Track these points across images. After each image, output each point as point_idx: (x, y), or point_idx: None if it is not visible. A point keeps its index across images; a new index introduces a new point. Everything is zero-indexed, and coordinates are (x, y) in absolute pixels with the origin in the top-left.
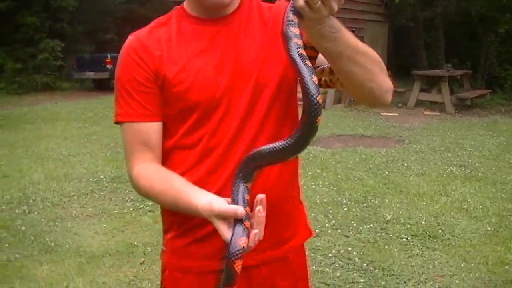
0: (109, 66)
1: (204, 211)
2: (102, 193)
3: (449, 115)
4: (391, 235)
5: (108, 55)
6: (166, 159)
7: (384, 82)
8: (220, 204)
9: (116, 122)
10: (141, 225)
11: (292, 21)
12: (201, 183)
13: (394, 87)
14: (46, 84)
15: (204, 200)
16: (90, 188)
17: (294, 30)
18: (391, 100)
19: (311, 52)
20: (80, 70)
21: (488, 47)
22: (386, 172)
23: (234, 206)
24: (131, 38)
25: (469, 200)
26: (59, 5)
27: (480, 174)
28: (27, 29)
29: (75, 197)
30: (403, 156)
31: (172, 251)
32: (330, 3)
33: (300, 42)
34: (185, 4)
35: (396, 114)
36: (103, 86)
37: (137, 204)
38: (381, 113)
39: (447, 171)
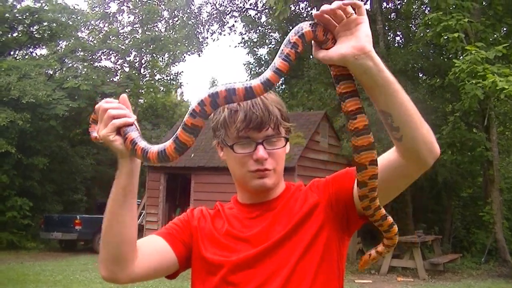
0: (77, 228)
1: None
2: None
3: (423, 280)
4: None
5: (78, 216)
6: None
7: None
8: None
9: None
10: None
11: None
12: None
13: (364, 253)
14: (11, 243)
15: None
16: None
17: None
18: (364, 268)
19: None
20: (47, 230)
21: (453, 212)
22: None
23: None
24: (200, 207)
25: None
26: (31, 163)
27: None
28: None
29: None
30: None
31: None
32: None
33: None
34: (237, 194)
35: (370, 281)
36: (70, 247)
37: None
38: (355, 281)
39: None
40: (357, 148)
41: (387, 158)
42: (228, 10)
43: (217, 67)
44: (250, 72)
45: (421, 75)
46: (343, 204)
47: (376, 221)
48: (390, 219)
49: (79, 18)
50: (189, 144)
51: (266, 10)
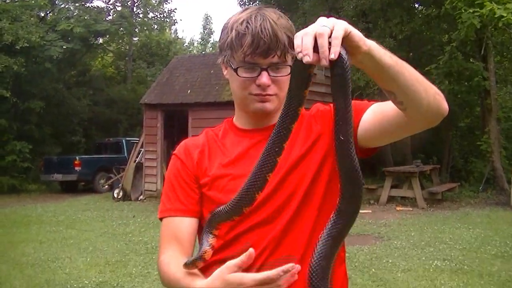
0: (77, 169)
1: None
2: None
3: (422, 209)
4: None
5: (77, 157)
6: None
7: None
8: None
9: (160, 219)
10: None
11: None
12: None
13: (364, 184)
14: (13, 186)
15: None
16: None
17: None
18: (364, 197)
19: None
20: (47, 172)
21: (450, 142)
22: (373, 270)
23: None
24: (182, 142)
25: None
26: (27, 106)
27: (465, 267)
28: None
29: None
30: (386, 253)
31: None
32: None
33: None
34: (234, 117)
35: (370, 211)
36: (71, 188)
37: None
38: None
39: (433, 266)
40: None
41: (393, 108)
42: None
43: (210, 2)
44: (244, 6)
45: (417, 6)
46: None
47: None
48: None
49: None
50: None
51: None
